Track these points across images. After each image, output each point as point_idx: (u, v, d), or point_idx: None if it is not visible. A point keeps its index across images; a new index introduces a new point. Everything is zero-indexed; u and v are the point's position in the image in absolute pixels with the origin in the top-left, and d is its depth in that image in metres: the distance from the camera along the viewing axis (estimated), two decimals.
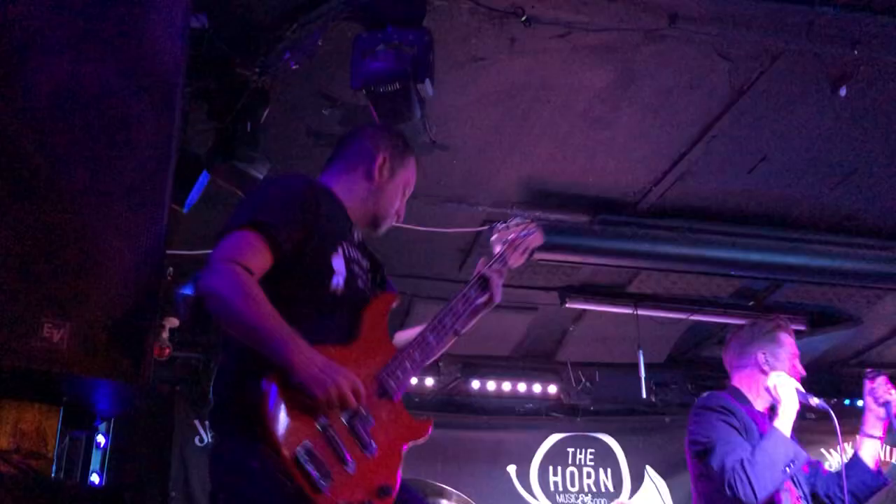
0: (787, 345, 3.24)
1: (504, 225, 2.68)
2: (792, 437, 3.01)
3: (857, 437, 3.31)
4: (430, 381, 6.36)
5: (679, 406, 6.71)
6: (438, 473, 5.47)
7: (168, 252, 2.53)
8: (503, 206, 4.60)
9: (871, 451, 3.26)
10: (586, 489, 6.58)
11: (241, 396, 2.03)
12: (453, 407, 6.56)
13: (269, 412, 1.96)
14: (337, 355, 2.10)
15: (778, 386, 3.07)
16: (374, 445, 2.10)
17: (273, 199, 2.24)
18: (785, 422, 3.00)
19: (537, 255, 4.65)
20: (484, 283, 2.54)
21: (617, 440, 6.74)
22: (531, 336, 6.13)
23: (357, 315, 2.25)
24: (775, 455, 2.92)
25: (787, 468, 2.93)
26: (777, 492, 2.96)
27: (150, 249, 2.39)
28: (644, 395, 5.75)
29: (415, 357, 2.30)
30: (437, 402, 6.51)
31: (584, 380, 6.51)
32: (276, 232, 2.13)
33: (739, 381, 3.25)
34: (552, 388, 6.54)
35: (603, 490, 6.54)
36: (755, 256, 4.71)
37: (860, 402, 6.64)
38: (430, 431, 2.26)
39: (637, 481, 6.65)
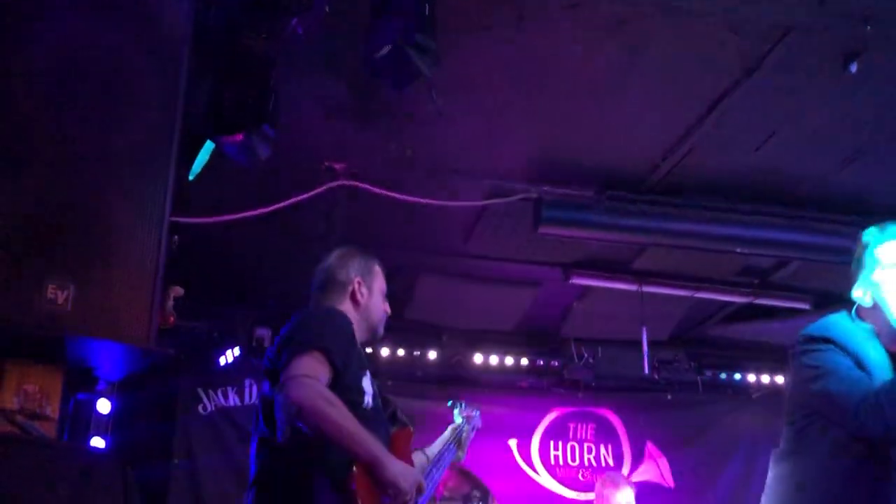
0: None
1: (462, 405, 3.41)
2: None
3: None
4: (432, 355, 6.37)
5: (681, 384, 6.72)
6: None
7: (173, 219, 2.54)
8: (509, 179, 4.59)
9: None
10: (587, 463, 6.61)
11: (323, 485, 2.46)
12: (455, 381, 6.56)
13: (360, 494, 2.40)
14: None
15: None
16: None
17: (327, 325, 2.66)
18: None
19: (542, 230, 4.65)
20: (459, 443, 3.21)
21: (618, 416, 6.77)
22: (534, 311, 6.13)
23: (386, 436, 2.67)
24: None
25: None
26: None
27: (155, 213, 2.40)
28: (647, 372, 5.75)
29: (429, 482, 2.83)
30: (439, 375, 6.51)
31: (586, 356, 6.51)
32: (336, 356, 2.54)
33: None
34: (554, 363, 6.54)
35: (603, 464, 6.57)
36: (761, 234, 4.69)
37: None
38: None
39: (637, 456, 6.68)
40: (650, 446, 6.72)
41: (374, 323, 2.88)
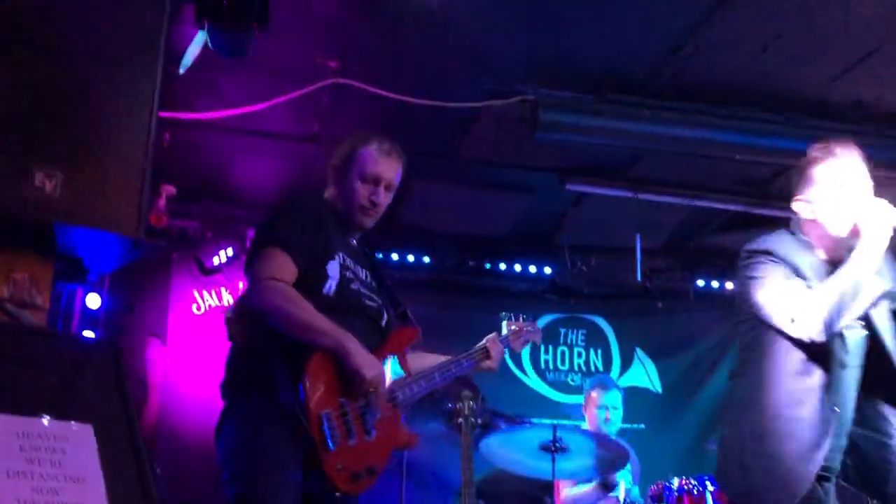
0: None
1: (513, 317, 3.43)
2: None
3: None
4: (426, 260, 6.37)
5: (673, 292, 6.77)
6: (433, 350, 5.53)
7: (164, 115, 2.52)
8: (507, 82, 4.50)
9: None
10: (576, 368, 6.71)
11: (281, 367, 2.52)
12: (449, 285, 6.59)
13: (312, 382, 2.48)
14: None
15: (861, 203, 2.64)
16: (374, 433, 2.59)
17: (282, 215, 2.72)
18: (869, 250, 2.55)
19: (540, 134, 4.59)
20: (487, 353, 3.15)
21: (609, 322, 6.84)
22: (529, 217, 6.11)
23: (359, 325, 2.68)
24: (850, 283, 2.54)
25: (864, 303, 2.56)
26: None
27: (144, 106, 2.35)
28: (639, 280, 5.77)
29: (421, 384, 2.84)
30: (432, 280, 6.54)
31: (579, 263, 6.52)
32: (292, 247, 2.60)
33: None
34: (547, 270, 6.56)
35: (592, 369, 6.67)
36: (761, 141, 4.64)
37: None
38: (414, 445, 2.82)
39: (626, 362, 6.78)
40: (639, 352, 6.81)
41: (349, 208, 2.82)
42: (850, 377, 2.73)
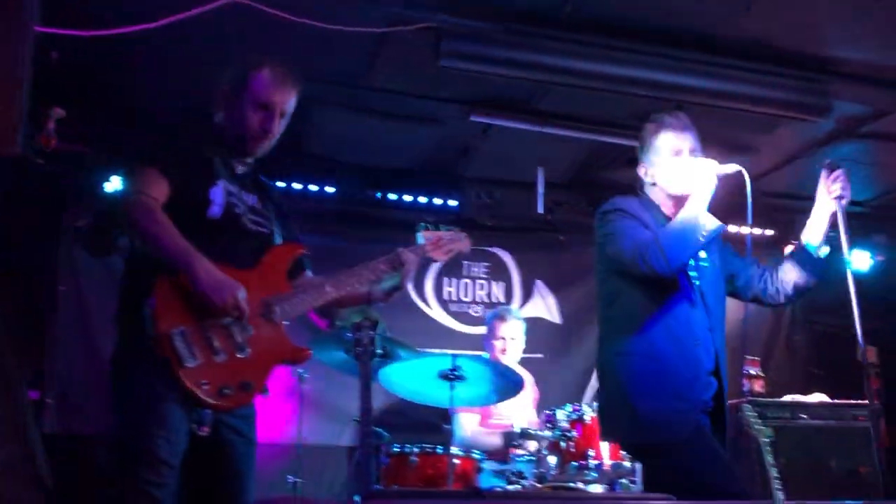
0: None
1: (431, 227, 3.37)
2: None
3: (806, 230, 3.26)
4: (329, 190, 6.29)
5: (574, 225, 6.87)
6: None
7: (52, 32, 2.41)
8: (412, 7, 4.41)
9: (815, 241, 3.23)
10: (478, 299, 6.79)
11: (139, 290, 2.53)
12: (353, 217, 6.54)
13: (159, 300, 2.49)
14: (231, 274, 2.59)
15: (691, 166, 3.08)
16: (248, 350, 2.58)
17: (161, 135, 2.76)
18: (701, 199, 2.97)
19: (444, 63, 4.54)
20: (396, 263, 3.04)
21: (511, 255, 6.92)
22: (435, 148, 6.08)
23: (244, 249, 2.71)
24: (688, 222, 2.92)
25: (701, 235, 2.91)
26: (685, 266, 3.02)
27: (21, 18, 2.22)
28: (541, 212, 5.84)
29: (307, 298, 2.81)
30: (336, 211, 6.47)
31: (484, 196, 6.55)
32: (169, 168, 2.59)
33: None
34: (452, 202, 6.57)
35: (494, 301, 6.76)
36: (662, 77, 4.70)
37: (756, 230, 6.97)
38: (306, 358, 2.79)
39: (527, 294, 6.90)
40: (540, 284, 6.93)
41: (240, 134, 2.79)
42: (700, 317, 3.08)
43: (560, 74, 4.71)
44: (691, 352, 3.01)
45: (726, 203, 3.09)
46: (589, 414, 4.44)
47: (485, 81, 5.02)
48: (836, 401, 5.22)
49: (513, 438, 4.63)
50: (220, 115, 2.83)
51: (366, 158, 6.25)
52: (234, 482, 2.67)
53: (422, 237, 3.31)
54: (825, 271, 3.26)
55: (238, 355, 2.57)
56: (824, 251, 3.24)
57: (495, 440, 4.93)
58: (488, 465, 4.72)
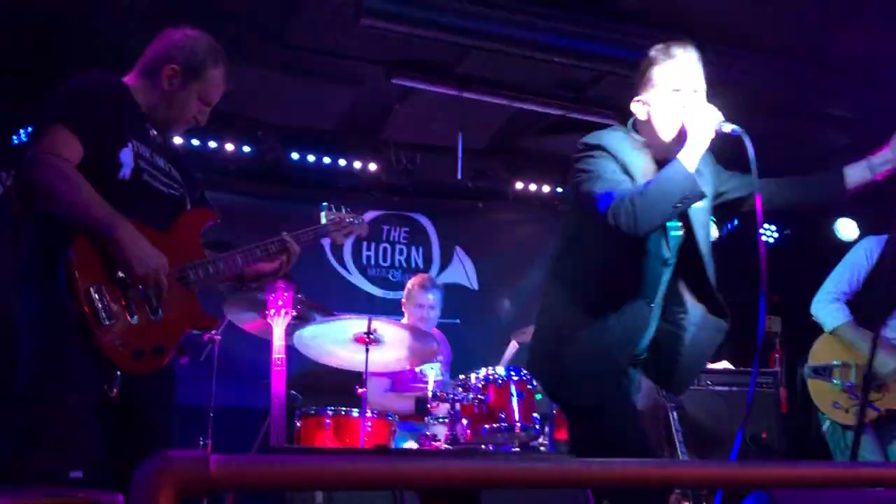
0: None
1: (333, 208, 3.42)
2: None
3: (859, 162, 2.99)
4: (247, 149, 6.17)
5: (494, 193, 6.92)
6: (254, 241, 5.42)
7: None
8: None
9: (858, 176, 2.98)
10: (397, 264, 6.78)
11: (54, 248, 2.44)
12: (271, 176, 6.44)
13: (77, 257, 2.40)
14: (151, 238, 2.53)
15: (690, 109, 2.75)
16: (161, 314, 2.55)
17: (75, 96, 2.56)
18: (691, 154, 2.65)
19: (364, 22, 4.48)
20: (283, 248, 3.00)
21: (431, 221, 6.92)
22: (355, 111, 6.01)
23: (155, 213, 2.64)
24: (669, 185, 2.62)
25: (679, 204, 2.64)
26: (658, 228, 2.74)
27: None
28: (460, 178, 5.85)
29: (219, 266, 2.77)
30: (254, 170, 6.36)
31: (404, 160, 6.52)
32: (82, 126, 2.48)
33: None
34: (372, 166, 6.52)
35: (413, 266, 6.76)
36: (580, 45, 4.73)
37: None
38: (216, 326, 2.85)
39: (446, 260, 6.92)
40: (459, 251, 6.96)
41: (170, 118, 2.75)
42: (667, 274, 2.89)
43: (482, 39, 4.69)
44: (641, 313, 2.85)
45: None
46: (502, 378, 4.51)
47: (406, 43, 4.98)
48: (740, 368, 5.38)
49: (427, 402, 4.67)
50: (144, 82, 2.72)
51: (284, 118, 6.14)
52: (152, 445, 2.62)
53: (325, 217, 3.41)
54: (839, 199, 3.05)
55: (152, 318, 2.54)
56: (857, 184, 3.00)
57: (409, 403, 4.96)
58: (402, 428, 4.75)
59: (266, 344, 4.30)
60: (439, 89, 5.47)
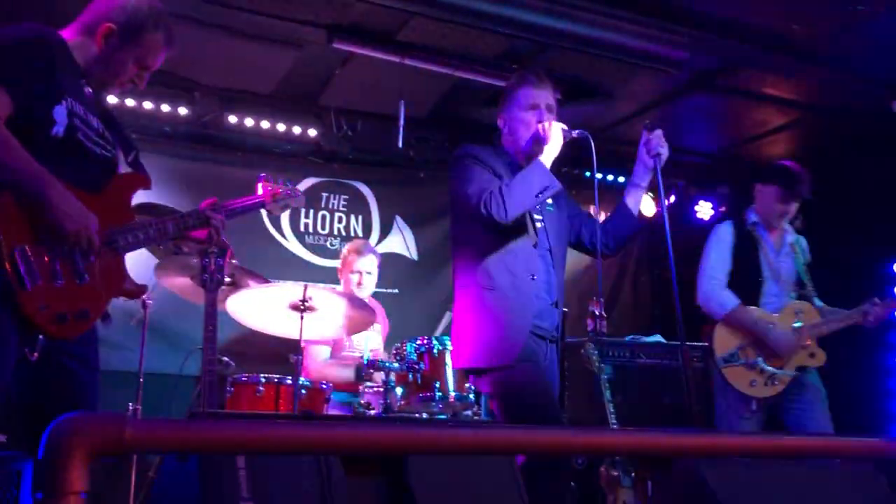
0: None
1: (271, 179, 3.52)
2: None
3: (627, 186, 3.60)
4: (183, 111, 6.03)
5: (435, 163, 6.87)
6: (189, 205, 5.31)
7: None
8: None
9: (635, 198, 3.57)
10: (336, 232, 6.72)
11: None
12: (207, 140, 6.30)
13: (1, 216, 2.32)
14: (80, 199, 2.47)
15: (541, 125, 3.36)
16: (86, 278, 2.50)
17: (7, 48, 2.44)
18: (547, 156, 3.27)
19: None
20: (205, 220, 2.99)
21: (371, 189, 6.86)
22: (295, 75, 5.90)
23: (87, 172, 2.59)
24: (531, 179, 3.19)
25: (540, 194, 3.20)
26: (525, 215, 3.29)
27: None
28: (401, 146, 5.80)
29: (149, 232, 2.76)
30: (190, 133, 6.22)
31: (345, 127, 6.44)
32: (13, 80, 2.38)
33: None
34: (312, 132, 6.43)
35: (352, 234, 6.70)
36: (524, 16, 4.70)
37: (609, 177, 7.18)
38: (143, 294, 2.78)
39: (386, 229, 6.88)
40: (399, 220, 6.92)
41: (105, 78, 2.70)
42: (540, 256, 3.36)
43: (424, 6, 4.65)
44: (528, 286, 3.28)
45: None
46: (437, 347, 4.51)
47: (348, 7, 4.90)
48: (671, 342, 5.47)
49: (362, 370, 4.65)
50: (82, 39, 2.66)
51: (222, 80, 6.01)
52: (73, 409, 2.56)
53: (261, 188, 3.47)
54: (637, 226, 3.62)
55: (77, 282, 2.48)
56: (639, 206, 3.61)
57: (345, 372, 4.93)
58: (336, 397, 4.73)
59: (198, 309, 4.23)
60: (381, 55, 5.40)
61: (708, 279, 4.54)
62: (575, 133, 3.34)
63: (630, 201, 3.58)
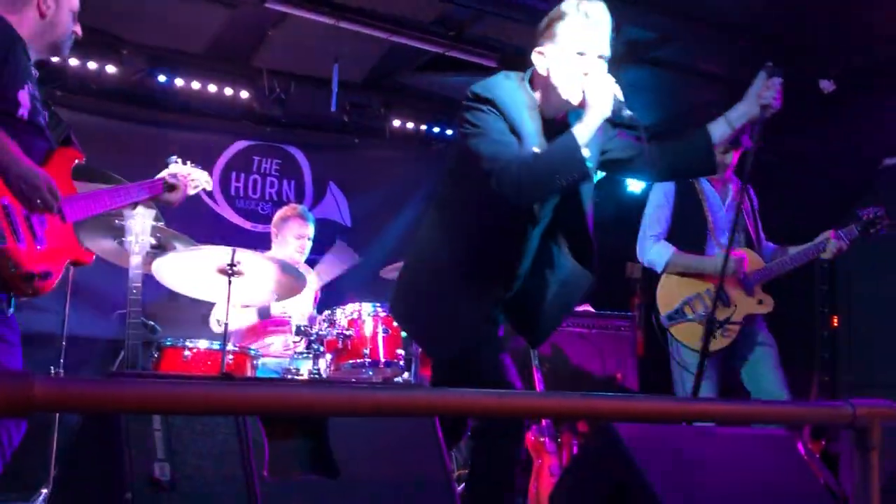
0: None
1: (180, 162, 3.63)
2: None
3: (718, 120, 2.95)
4: (111, 69, 5.86)
5: (369, 129, 6.82)
6: (120, 166, 5.17)
7: None
8: None
9: (719, 134, 2.94)
10: (267, 197, 6.63)
11: None
12: (137, 99, 6.15)
13: None
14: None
15: (595, 78, 2.64)
16: (45, 241, 2.66)
17: None
18: (588, 125, 2.59)
19: None
20: (171, 186, 3.42)
21: (304, 153, 6.78)
22: (227, 34, 5.77)
23: (40, 151, 2.73)
24: (559, 160, 2.58)
25: (565, 183, 2.59)
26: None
27: None
28: (334, 109, 5.73)
29: (90, 203, 2.94)
30: (119, 92, 6.06)
31: (278, 89, 6.33)
32: None
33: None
34: (244, 94, 6.30)
35: (284, 199, 6.62)
36: None
37: None
38: (90, 261, 2.91)
39: (319, 194, 6.81)
40: (332, 186, 6.86)
41: (57, 40, 2.84)
42: (537, 232, 2.85)
43: None
44: (507, 263, 2.84)
45: None
46: (368, 314, 4.50)
47: None
48: (600, 311, 5.56)
49: (291, 336, 4.62)
50: (25, 16, 2.73)
51: (151, 38, 5.84)
52: None
53: (175, 168, 3.62)
54: (707, 167, 3.05)
55: (36, 245, 2.64)
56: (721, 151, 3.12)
57: (277, 338, 4.89)
58: (264, 362, 4.69)
59: (123, 272, 4.14)
60: (315, 17, 5.30)
61: (644, 237, 4.54)
62: (627, 114, 2.65)
63: (714, 132, 2.92)
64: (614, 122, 2.79)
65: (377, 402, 1.38)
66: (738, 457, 2.27)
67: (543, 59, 2.72)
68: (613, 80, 2.64)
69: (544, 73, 2.72)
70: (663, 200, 4.52)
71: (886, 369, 5.69)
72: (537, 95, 2.77)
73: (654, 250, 4.48)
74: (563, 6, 2.71)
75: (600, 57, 2.68)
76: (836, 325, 6.16)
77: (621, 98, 2.61)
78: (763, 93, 2.84)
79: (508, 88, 2.72)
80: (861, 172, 6.06)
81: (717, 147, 2.94)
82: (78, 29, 2.89)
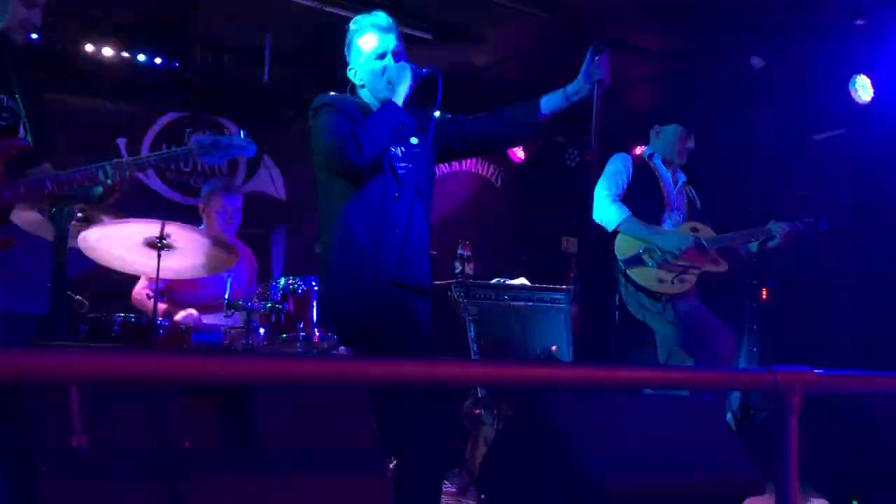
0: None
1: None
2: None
3: (554, 92, 3.35)
4: (34, 36, 5.65)
5: (305, 101, 6.70)
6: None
7: None
8: None
9: (552, 106, 3.33)
10: (199, 170, 6.50)
11: None
12: (61, 70, 5.96)
13: None
14: None
15: (390, 69, 3.30)
16: None
17: None
18: (398, 97, 3.24)
19: None
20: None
21: (237, 126, 6.66)
22: (157, 2, 5.63)
23: None
24: (383, 117, 3.19)
25: (395, 129, 3.21)
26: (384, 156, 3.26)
27: None
28: (266, 78, 5.64)
29: (28, 190, 3.18)
30: (45, 58, 5.86)
31: (210, 59, 6.20)
32: None
33: None
34: (175, 64, 6.16)
35: (217, 172, 6.51)
36: None
37: None
38: (10, 246, 3.12)
39: (253, 168, 6.71)
40: (266, 159, 6.76)
41: (9, 29, 3.06)
42: (402, 205, 3.29)
43: None
44: (389, 239, 3.26)
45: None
46: (302, 288, 4.45)
47: None
48: (536, 285, 5.59)
49: (224, 310, 4.55)
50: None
51: (77, 4, 5.66)
52: None
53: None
54: (528, 133, 3.52)
55: None
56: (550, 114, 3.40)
57: (210, 313, 4.82)
58: (197, 337, 4.62)
59: (46, 244, 4.02)
60: None
61: (601, 195, 4.63)
62: (424, 71, 3.27)
63: (545, 103, 3.35)
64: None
65: (301, 371, 1.36)
66: (664, 423, 2.31)
67: (354, 70, 3.46)
68: (407, 64, 3.26)
69: (360, 82, 3.44)
70: (622, 168, 4.73)
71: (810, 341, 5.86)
72: (365, 100, 3.41)
73: (611, 209, 4.60)
74: (353, 24, 3.47)
75: (394, 53, 3.34)
76: (765, 297, 6.33)
77: (416, 68, 3.24)
78: (593, 69, 3.21)
79: (341, 97, 3.42)
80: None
81: (547, 117, 3.34)
82: (35, 18, 3.07)
